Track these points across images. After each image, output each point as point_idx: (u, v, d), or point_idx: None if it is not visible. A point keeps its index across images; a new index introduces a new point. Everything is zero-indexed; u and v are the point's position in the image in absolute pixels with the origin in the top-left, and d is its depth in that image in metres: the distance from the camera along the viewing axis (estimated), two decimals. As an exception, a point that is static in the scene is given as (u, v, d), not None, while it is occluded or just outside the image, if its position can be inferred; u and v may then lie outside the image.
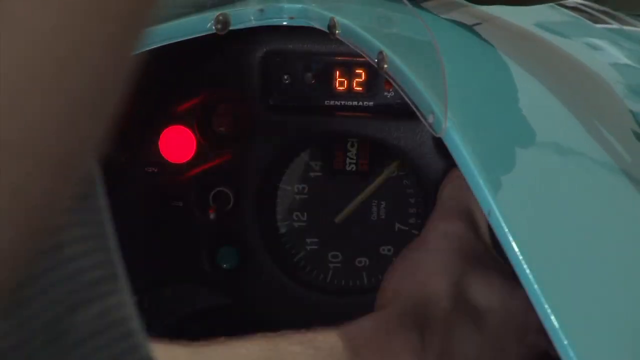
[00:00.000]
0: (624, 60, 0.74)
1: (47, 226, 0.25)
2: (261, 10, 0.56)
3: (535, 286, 0.42)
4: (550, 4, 0.81)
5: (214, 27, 0.56)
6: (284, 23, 0.57)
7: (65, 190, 0.25)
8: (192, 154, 0.68)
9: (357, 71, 0.68)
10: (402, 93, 0.49)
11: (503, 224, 0.44)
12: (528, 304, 0.53)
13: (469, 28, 0.60)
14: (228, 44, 0.66)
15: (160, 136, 0.67)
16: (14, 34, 0.22)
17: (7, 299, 0.25)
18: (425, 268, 0.56)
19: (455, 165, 0.65)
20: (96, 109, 0.24)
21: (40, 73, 0.23)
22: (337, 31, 0.53)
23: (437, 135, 0.47)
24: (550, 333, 0.41)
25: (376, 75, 0.67)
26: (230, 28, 0.56)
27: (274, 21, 0.57)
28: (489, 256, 0.58)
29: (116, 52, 0.24)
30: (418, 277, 0.56)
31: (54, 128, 0.23)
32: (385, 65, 0.50)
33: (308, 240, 0.71)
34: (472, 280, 0.56)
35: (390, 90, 0.68)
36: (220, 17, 0.56)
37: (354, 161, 0.70)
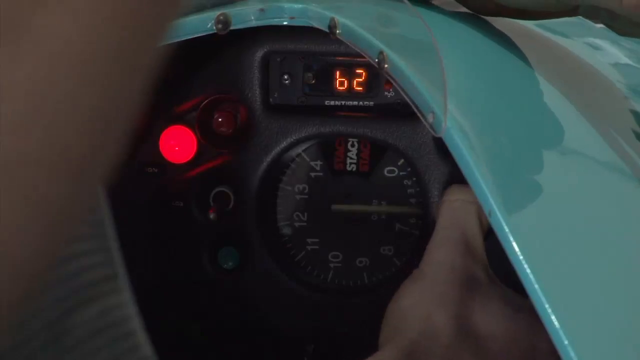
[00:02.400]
0: (624, 60, 0.74)
1: (64, 236, 0.25)
2: (262, 10, 0.56)
3: (536, 286, 0.42)
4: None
5: (214, 27, 0.56)
6: (285, 23, 0.57)
7: (84, 199, 0.25)
8: (193, 154, 0.68)
9: (357, 71, 0.68)
10: (402, 93, 0.49)
11: (504, 224, 0.44)
12: (533, 326, 0.53)
13: (472, 26, 0.60)
14: (228, 44, 0.66)
15: (161, 136, 0.67)
16: (35, 44, 0.22)
17: (21, 309, 0.24)
18: (425, 302, 0.56)
19: (452, 183, 0.66)
20: (115, 117, 0.24)
21: (60, 83, 0.23)
22: (337, 31, 0.53)
23: (438, 135, 0.47)
24: (551, 333, 0.41)
25: (376, 75, 0.67)
26: (231, 28, 0.56)
27: (275, 21, 0.57)
28: (488, 282, 0.58)
29: (136, 60, 0.24)
30: (417, 312, 0.56)
31: (73, 137, 0.23)
32: (386, 65, 0.50)
33: (308, 240, 0.71)
34: (472, 310, 0.56)
35: (391, 90, 0.68)
36: (221, 17, 0.56)
37: (354, 161, 0.70)
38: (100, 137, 0.24)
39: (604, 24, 0.58)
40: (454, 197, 0.60)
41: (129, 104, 0.25)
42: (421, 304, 0.56)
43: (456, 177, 0.67)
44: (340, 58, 0.67)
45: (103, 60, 0.23)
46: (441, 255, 0.58)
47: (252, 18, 0.56)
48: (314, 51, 0.67)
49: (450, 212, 0.59)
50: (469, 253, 0.58)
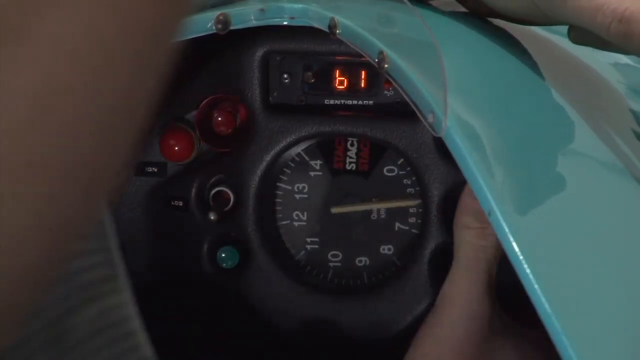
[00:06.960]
0: (624, 60, 0.74)
1: (71, 241, 0.25)
2: (262, 10, 0.56)
3: (536, 286, 0.42)
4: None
5: (214, 27, 0.56)
6: (285, 23, 0.57)
7: (92, 206, 0.25)
8: (192, 154, 0.68)
9: (357, 71, 0.68)
10: (402, 92, 0.49)
11: (504, 224, 0.44)
12: None
13: (472, 27, 0.60)
14: (228, 44, 0.66)
15: (161, 136, 0.67)
16: (43, 50, 0.22)
17: (24, 313, 0.24)
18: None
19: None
20: (124, 123, 0.24)
21: (69, 87, 0.22)
22: (337, 31, 0.53)
23: (437, 135, 0.47)
24: (551, 333, 0.41)
25: (376, 75, 0.67)
26: (231, 28, 0.56)
27: (275, 21, 0.57)
28: (502, 328, 0.58)
29: (145, 66, 0.24)
30: None
31: (83, 143, 0.23)
32: (386, 65, 0.50)
33: (308, 240, 0.71)
34: None
35: (390, 89, 0.68)
36: (221, 17, 0.56)
37: (354, 161, 0.70)
38: (110, 142, 0.24)
39: (593, 47, 0.58)
40: (473, 224, 0.59)
41: (140, 107, 0.25)
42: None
43: (456, 177, 0.67)
44: (340, 57, 0.67)
45: (113, 63, 0.23)
46: (460, 298, 0.58)
47: (252, 18, 0.56)
48: (314, 51, 0.67)
49: (471, 247, 0.59)
50: (488, 292, 0.58)
